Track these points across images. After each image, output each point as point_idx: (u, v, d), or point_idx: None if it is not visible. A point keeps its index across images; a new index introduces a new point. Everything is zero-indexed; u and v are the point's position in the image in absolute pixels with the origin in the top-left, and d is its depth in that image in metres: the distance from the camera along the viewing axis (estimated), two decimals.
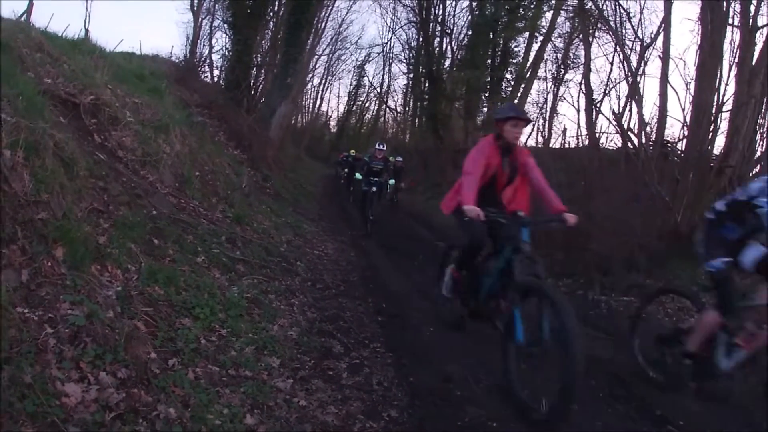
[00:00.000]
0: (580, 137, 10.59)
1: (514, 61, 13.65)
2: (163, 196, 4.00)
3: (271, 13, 12.09)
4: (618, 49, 9.38)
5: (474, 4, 14.22)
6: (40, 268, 2.21)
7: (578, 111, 12.30)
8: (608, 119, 10.29)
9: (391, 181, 8.62)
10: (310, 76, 22.31)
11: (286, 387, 2.36)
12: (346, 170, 14.03)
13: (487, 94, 13.83)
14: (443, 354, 3.10)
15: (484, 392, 2.62)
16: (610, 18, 9.58)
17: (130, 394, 1.84)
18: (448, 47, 16.41)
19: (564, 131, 15.87)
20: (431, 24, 16.51)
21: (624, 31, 9.44)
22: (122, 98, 4.74)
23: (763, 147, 6.82)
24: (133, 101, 4.90)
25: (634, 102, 8.09)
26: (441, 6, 16.29)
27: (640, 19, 14.68)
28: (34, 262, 2.20)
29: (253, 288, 3.42)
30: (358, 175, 8.03)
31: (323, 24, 18.21)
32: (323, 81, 28.66)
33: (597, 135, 8.83)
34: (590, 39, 10.94)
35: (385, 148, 8.55)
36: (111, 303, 2.27)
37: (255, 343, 2.66)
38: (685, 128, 7.17)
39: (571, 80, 14.23)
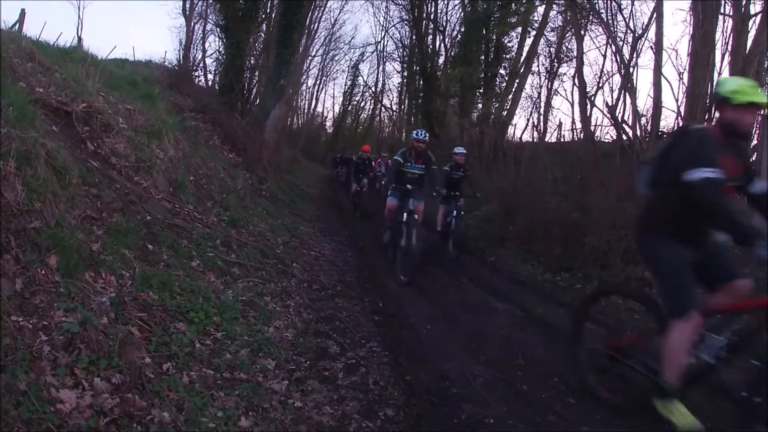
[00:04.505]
0: (575, 131, 10.62)
1: (508, 56, 13.72)
2: (157, 202, 4.00)
3: (263, 16, 12.09)
4: (610, 41, 9.37)
5: (466, 0, 14.24)
6: (34, 276, 2.23)
7: (572, 104, 12.31)
8: (602, 112, 10.32)
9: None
10: (304, 77, 22.33)
11: (282, 388, 2.37)
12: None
13: (481, 91, 13.85)
14: (440, 352, 3.10)
15: (481, 389, 2.61)
16: (601, 11, 9.58)
17: (124, 399, 1.85)
18: (442, 44, 16.47)
19: (560, 125, 15.83)
20: (424, 21, 16.54)
21: (616, 23, 9.44)
22: (114, 105, 4.73)
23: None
24: (126, 108, 4.88)
25: (627, 94, 8.10)
26: (433, 3, 16.34)
27: (631, 11, 14.76)
28: (28, 270, 2.22)
29: (249, 291, 3.43)
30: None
31: (316, 25, 18.28)
32: (318, 82, 28.63)
33: (592, 128, 8.85)
34: (582, 32, 10.95)
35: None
36: (105, 309, 2.28)
37: (250, 346, 2.67)
38: (680, 118, 7.19)
39: (564, 74, 14.20)
